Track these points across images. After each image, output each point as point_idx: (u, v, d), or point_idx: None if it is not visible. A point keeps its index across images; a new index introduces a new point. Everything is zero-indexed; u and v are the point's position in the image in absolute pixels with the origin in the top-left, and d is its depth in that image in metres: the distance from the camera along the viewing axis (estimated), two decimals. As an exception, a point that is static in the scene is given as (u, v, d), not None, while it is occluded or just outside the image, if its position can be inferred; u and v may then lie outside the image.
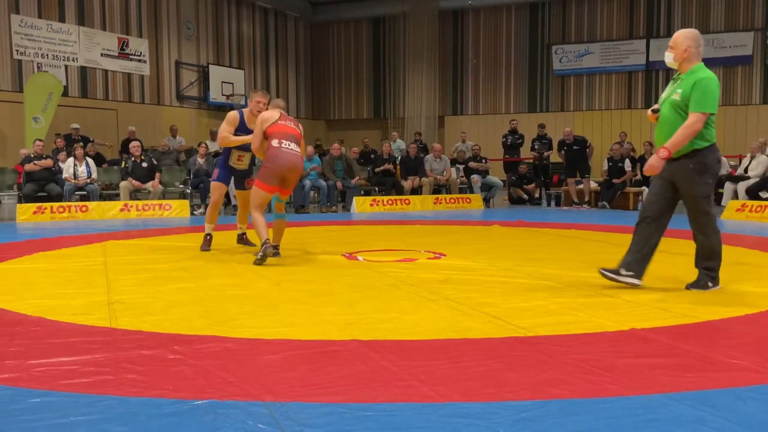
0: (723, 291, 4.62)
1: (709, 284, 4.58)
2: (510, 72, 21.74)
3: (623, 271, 4.56)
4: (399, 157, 14.32)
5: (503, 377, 2.79)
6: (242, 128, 6.47)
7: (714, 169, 4.44)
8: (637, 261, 4.58)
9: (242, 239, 7.08)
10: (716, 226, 4.57)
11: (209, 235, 6.78)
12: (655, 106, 4.68)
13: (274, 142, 5.96)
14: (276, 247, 6.11)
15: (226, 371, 2.86)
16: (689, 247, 6.86)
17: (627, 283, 4.57)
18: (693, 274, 5.27)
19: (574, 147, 13.31)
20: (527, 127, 17.16)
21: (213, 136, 16.24)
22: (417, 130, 20.63)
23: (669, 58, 4.49)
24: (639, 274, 4.58)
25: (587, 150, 13.50)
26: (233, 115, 6.54)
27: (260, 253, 5.78)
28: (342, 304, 4.24)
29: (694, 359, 3.02)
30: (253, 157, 6.83)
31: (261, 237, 5.90)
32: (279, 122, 6.06)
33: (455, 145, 16.29)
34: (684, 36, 4.43)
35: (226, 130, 6.49)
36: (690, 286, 4.62)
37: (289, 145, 5.98)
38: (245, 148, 6.59)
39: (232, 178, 6.88)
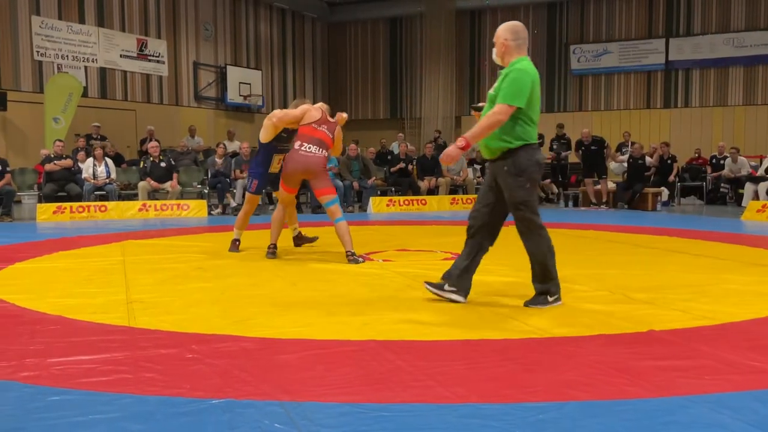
0: (742, 292, 4.56)
1: (549, 298, 4.12)
2: (527, 72, 21.63)
3: (447, 287, 4.24)
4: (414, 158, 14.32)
5: (520, 378, 2.78)
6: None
7: (530, 171, 4.01)
8: (461, 276, 4.27)
9: (299, 238, 6.99)
10: (545, 240, 4.11)
11: (238, 240, 6.78)
12: (480, 104, 4.38)
13: (296, 144, 6.10)
14: (351, 254, 6.01)
15: (243, 371, 2.88)
16: (708, 249, 6.81)
17: (450, 300, 4.24)
18: (712, 275, 5.23)
19: (592, 147, 13.23)
20: (544, 127, 17.02)
21: (231, 136, 16.34)
22: (433, 130, 20.61)
23: (494, 54, 4.22)
24: (464, 291, 4.25)
25: (605, 150, 13.41)
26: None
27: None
28: (358, 304, 4.25)
29: (714, 361, 2.99)
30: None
31: (272, 237, 6.34)
32: (313, 125, 6.13)
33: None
34: (503, 30, 4.15)
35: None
36: (528, 303, 4.15)
37: (309, 148, 6.05)
38: (285, 150, 6.64)
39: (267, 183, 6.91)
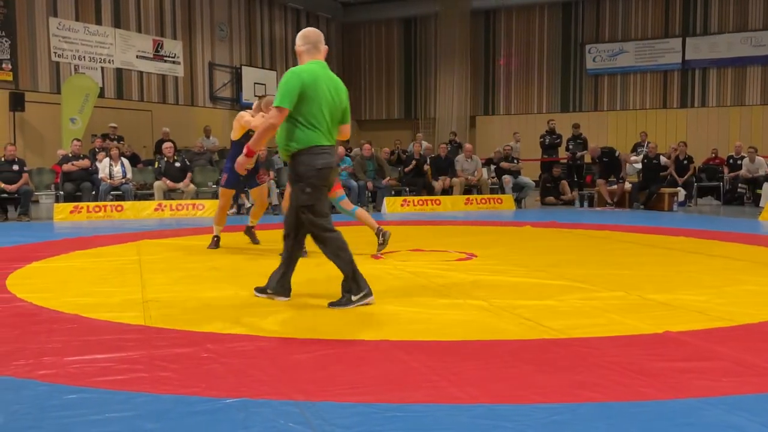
0: (759, 293, 4.52)
1: (352, 298, 4.16)
2: (543, 72, 21.58)
3: (269, 291, 4.39)
4: (428, 158, 14.28)
5: (534, 379, 2.77)
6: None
7: (307, 176, 4.00)
8: (280, 281, 4.37)
9: (249, 231, 7.26)
10: (335, 241, 4.16)
11: (217, 237, 7.00)
12: None
13: None
14: (379, 229, 6.48)
15: (257, 370, 2.89)
16: (725, 250, 6.76)
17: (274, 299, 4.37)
18: (729, 275, 5.18)
19: (605, 159, 13.16)
20: (560, 127, 16.99)
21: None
22: (447, 130, 20.57)
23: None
24: (285, 291, 4.37)
25: (618, 157, 13.32)
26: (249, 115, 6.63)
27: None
28: (372, 304, 4.24)
29: (731, 363, 2.97)
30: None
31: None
32: None
33: (509, 144, 15.63)
34: (297, 37, 4.24)
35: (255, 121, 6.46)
36: (331, 305, 4.17)
37: None
38: None
39: (240, 181, 7.02)
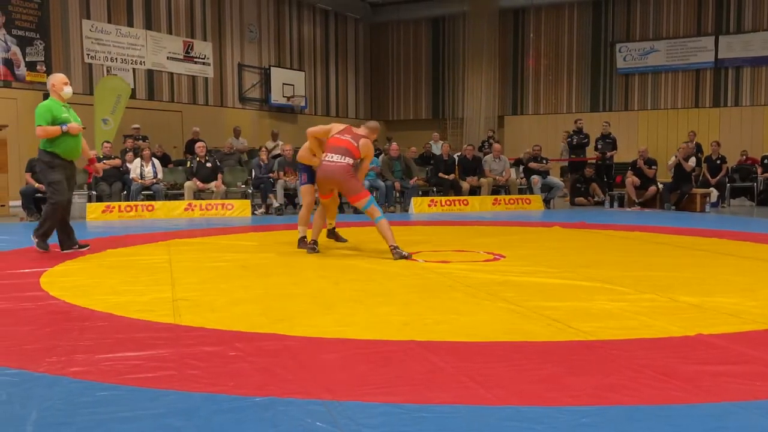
0: (796, 297, 4.44)
1: None
2: (572, 71, 21.38)
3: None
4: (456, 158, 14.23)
5: (563, 381, 2.74)
6: None
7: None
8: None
9: (333, 233, 7.31)
10: None
11: (305, 237, 6.89)
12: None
13: (323, 156, 6.42)
14: (394, 248, 6.18)
15: (285, 369, 2.90)
16: (759, 251, 6.64)
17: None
18: (763, 277, 5.09)
19: (648, 166, 13.06)
20: (589, 126, 16.83)
21: (274, 136, 16.50)
22: (476, 130, 20.52)
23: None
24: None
25: (654, 169, 13.16)
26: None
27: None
28: (399, 304, 4.25)
29: (764, 367, 2.92)
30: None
31: (313, 233, 6.60)
32: (336, 135, 6.43)
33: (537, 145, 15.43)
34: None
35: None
36: None
37: (331, 157, 6.32)
38: None
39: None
